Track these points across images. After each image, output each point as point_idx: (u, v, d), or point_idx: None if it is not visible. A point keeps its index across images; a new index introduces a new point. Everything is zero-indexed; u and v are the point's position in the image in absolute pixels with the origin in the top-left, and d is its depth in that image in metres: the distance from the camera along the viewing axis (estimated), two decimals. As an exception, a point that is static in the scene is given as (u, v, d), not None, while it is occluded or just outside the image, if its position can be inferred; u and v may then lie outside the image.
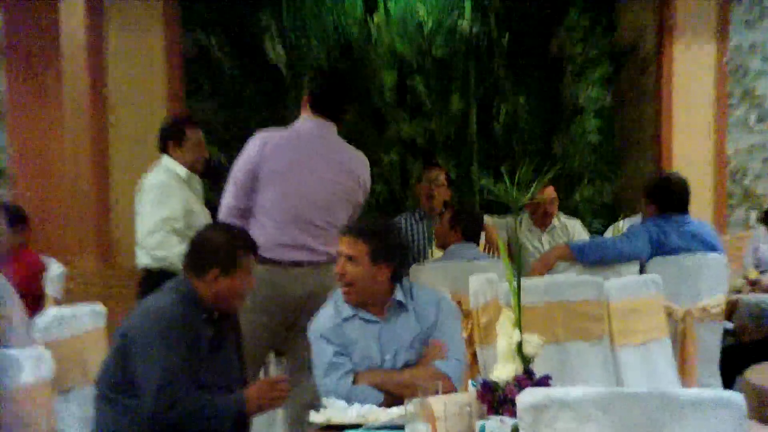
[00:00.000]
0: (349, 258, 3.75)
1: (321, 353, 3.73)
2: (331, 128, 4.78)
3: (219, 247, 3.70)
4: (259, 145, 4.67)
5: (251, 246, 3.81)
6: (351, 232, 3.79)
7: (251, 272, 3.77)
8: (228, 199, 4.65)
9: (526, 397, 2.52)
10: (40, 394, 3.15)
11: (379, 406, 3.55)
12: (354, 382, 3.67)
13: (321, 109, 4.77)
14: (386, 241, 3.81)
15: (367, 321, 3.77)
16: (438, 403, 3.12)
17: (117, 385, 3.54)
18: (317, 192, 4.67)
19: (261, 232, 4.46)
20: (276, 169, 4.63)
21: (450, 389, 3.55)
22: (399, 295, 3.80)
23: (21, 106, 7.03)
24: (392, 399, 3.55)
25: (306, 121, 4.79)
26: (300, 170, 4.66)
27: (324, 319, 3.81)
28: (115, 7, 6.50)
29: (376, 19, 7.63)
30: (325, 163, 4.72)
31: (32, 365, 3.14)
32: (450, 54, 7.84)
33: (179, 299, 3.62)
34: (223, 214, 4.65)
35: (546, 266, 5.35)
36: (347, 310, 3.79)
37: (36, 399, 3.12)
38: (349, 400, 3.58)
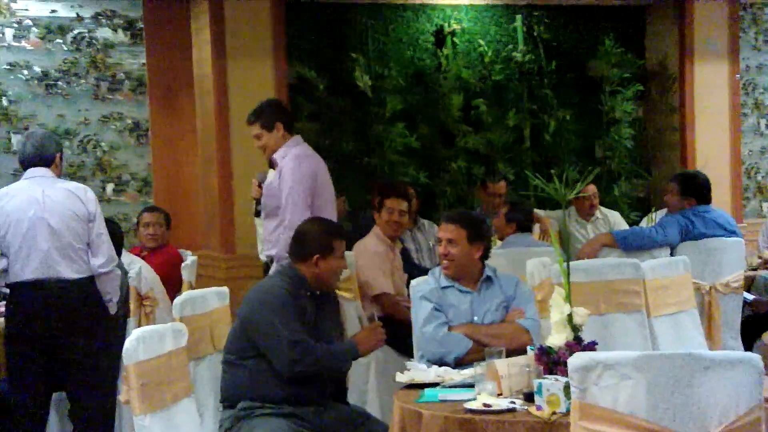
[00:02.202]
0: (450, 241, 3.74)
1: (421, 308, 3.71)
2: None
3: (318, 236, 3.71)
4: (312, 170, 4.77)
5: (343, 234, 3.83)
6: (451, 220, 3.79)
7: (344, 256, 3.77)
8: (300, 217, 4.43)
9: (576, 360, 2.48)
10: (178, 360, 3.18)
11: (468, 352, 3.54)
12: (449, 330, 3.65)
13: (293, 128, 4.91)
14: (479, 225, 3.82)
15: (462, 291, 3.75)
16: (502, 364, 3.08)
17: (240, 351, 3.57)
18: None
19: None
20: (322, 184, 4.80)
21: (528, 341, 3.51)
22: (489, 271, 3.79)
23: (161, 129, 7.14)
24: (479, 347, 3.50)
25: (298, 142, 4.87)
26: (328, 180, 4.88)
27: (424, 285, 3.81)
28: (234, 45, 6.56)
29: (444, 52, 7.60)
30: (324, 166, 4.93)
31: (172, 337, 3.17)
32: (506, 78, 7.80)
33: (287, 280, 3.65)
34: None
35: (593, 251, 5.28)
36: (445, 281, 3.77)
37: (175, 364, 3.15)
38: (444, 345, 3.57)
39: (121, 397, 2.96)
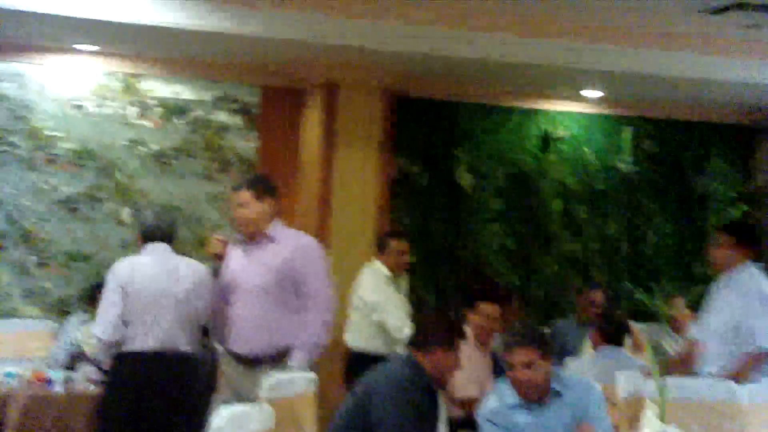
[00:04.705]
0: (527, 365, 3.57)
1: None
2: None
3: (443, 328, 3.70)
4: None
5: (463, 332, 3.84)
6: (523, 343, 3.59)
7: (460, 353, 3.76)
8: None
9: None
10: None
11: None
12: None
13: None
14: (547, 339, 3.72)
15: (530, 410, 3.62)
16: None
17: (354, 429, 3.57)
18: None
19: None
20: None
21: None
22: (556, 384, 3.65)
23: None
24: None
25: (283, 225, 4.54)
26: None
27: (489, 406, 3.68)
28: (344, 132, 6.72)
29: (548, 157, 7.63)
30: None
31: (259, 418, 3.16)
32: (608, 187, 7.76)
33: (411, 370, 3.63)
34: None
35: (688, 368, 5.10)
36: (511, 399, 3.63)
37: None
38: None
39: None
